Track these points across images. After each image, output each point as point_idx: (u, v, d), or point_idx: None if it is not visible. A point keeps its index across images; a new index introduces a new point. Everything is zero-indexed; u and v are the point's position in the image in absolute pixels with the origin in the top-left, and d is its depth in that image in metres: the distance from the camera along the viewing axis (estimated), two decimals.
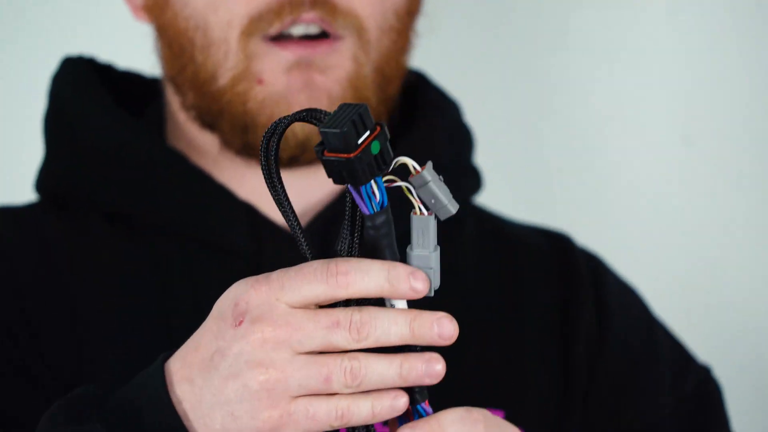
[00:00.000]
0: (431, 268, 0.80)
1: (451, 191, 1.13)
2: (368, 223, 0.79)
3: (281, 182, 0.81)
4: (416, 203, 0.79)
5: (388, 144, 0.78)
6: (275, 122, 0.79)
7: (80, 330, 1.12)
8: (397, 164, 0.78)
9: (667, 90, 1.68)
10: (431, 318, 0.81)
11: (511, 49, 1.57)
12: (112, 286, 1.13)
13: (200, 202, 1.14)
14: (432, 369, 0.81)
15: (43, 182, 1.19)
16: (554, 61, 1.68)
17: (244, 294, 0.82)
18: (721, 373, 1.24)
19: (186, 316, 1.12)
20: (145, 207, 1.15)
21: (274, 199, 0.81)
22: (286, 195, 0.81)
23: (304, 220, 1.14)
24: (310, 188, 1.16)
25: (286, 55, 1.11)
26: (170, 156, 1.15)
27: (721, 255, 1.67)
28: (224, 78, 1.13)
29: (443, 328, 0.81)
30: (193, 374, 0.84)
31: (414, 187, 0.79)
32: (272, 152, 0.80)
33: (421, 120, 1.19)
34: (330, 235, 1.13)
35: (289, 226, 0.82)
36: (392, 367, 0.81)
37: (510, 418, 1.09)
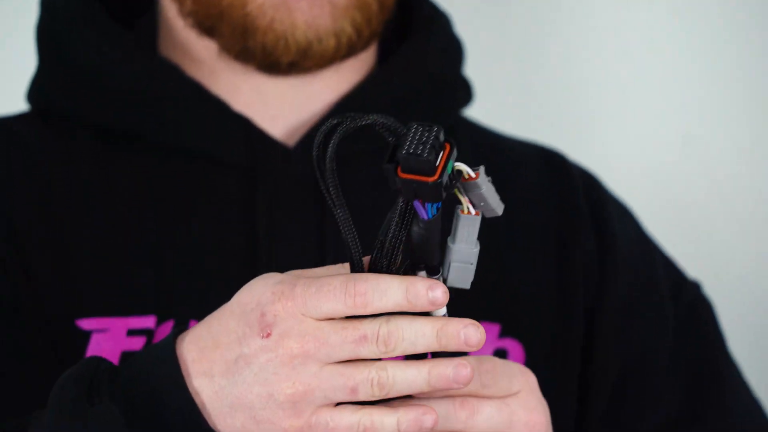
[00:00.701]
0: (471, 264, 0.83)
1: (444, 103, 1.20)
2: (421, 224, 0.81)
3: (336, 184, 0.82)
4: (465, 203, 0.82)
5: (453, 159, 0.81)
6: (333, 122, 0.81)
7: (68, 243, 1.11)
8: (453, 170, 0.80)
9: (668, 90, 1.68)
10: (458, 326, 0.83)
11: (511, 47, 1.58)
12: (100, 199, 1.13)
13: (195, 114, 1.13)
14: (460, 375, 0.83)
15: (33, 94, 1.19)
16: (553, 60, 1.68)
17: (271, 306, 0.83)
18: None
19: (177, 230, 1.12)
20: (136, 119, 1.14)
21: (328, 201, 0.82)
22: (341, 197, 0.83)
23: (300, 133, 1.15)
24: (307, 99, 1.16)
25: None
26: (163, 67, 1.15)
27: (722, 255, 1.67)
28: None
29: (470, 336, 0.83)
30: (214, 371, 0.85)
31: (465, 189, 0.81)
32: (328, 155, 0.81)
33: (415, 33, 1.20)
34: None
35: (345, 237, 0.84)
36: (420, 375, 0.83)
37: (506, 330, 1.12)
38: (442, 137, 0.78)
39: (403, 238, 0.82)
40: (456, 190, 0.81)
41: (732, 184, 1.68)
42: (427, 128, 0.78)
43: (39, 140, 1.15)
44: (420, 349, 0.82)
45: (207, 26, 1.13)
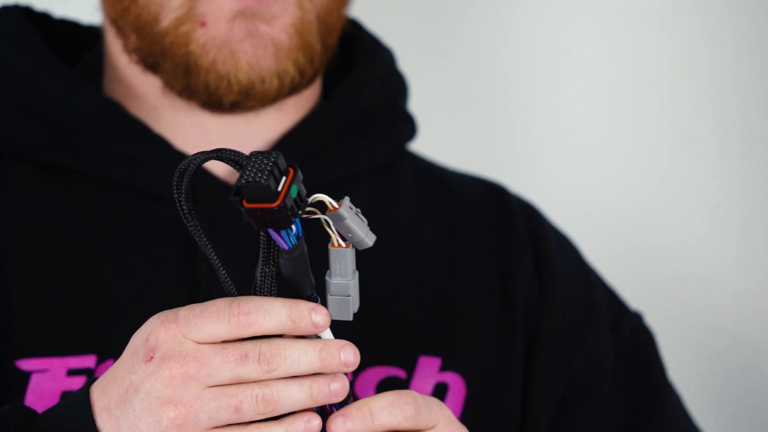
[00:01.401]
0: (349, 296, 0.85)
1: (386, 136, 1.21)
2: (285, 256, 0.83)
3: (194, 218, 0.85)
4: (334, 236, 0.83)
5: (301, 184, 0.81)
6: (187, 160, 0.82)
7: (7, 280, 1.12)
8: (314, 201, 0.82)
9: (669, 89, 1.68)
10: (336, 347, 0.85)
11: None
12: (39, 236, 1.13)
13: (136, 152, 1.14)
14: (338, 389, 0.86)
15: None
16: (553, 59, 1.68)
17: (155, 330, 0.85)
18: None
19: (118, 266, 1.13)
20: (77, 155, 1.15)
21: (192, 234, 0.85)
22: (200, 231, 0.85)
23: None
24: (250, 137, 1.17)
25: (230, 1, 1.12)
26: (106, 105, 1.16)
27: (721, 255, 1.67)
28: (167, 20, 1.12)
29: (347, 355, 0.85)
30: (111, 405, 0.87)
31: (331, 222, 0.82)
32: (184, 191, 0.83)
33: (356, 67, 1.21)
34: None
35: (212, 262, 0.86)
36: (303, 390, 0.85)
37: (447, 364, 1.13)
38: (282, 162, 0.79)
39: (273, 273, 0.84)
40: (324, 222, 0.82)
41: (732, 184, 1.69)
42: (265, 155, 0.79)
43: None
44: (302, 369, 0.83)
45: (150, 62, 1.14)
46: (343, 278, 0.84)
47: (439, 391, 1.11)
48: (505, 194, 1.24)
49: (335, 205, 0.82)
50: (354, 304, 0.85)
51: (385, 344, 1.11)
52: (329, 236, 0.83)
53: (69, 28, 1.24)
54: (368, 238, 0.83)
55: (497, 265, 1.18)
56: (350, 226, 0.82)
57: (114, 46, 1.17)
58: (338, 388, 0.85)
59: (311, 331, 0.84)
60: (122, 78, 1.17)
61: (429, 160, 1.26)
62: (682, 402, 1.22)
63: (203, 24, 1.11)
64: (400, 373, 1.11)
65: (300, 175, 0.80)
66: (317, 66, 1.14)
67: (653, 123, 1.66)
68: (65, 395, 0.93)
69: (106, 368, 1.07)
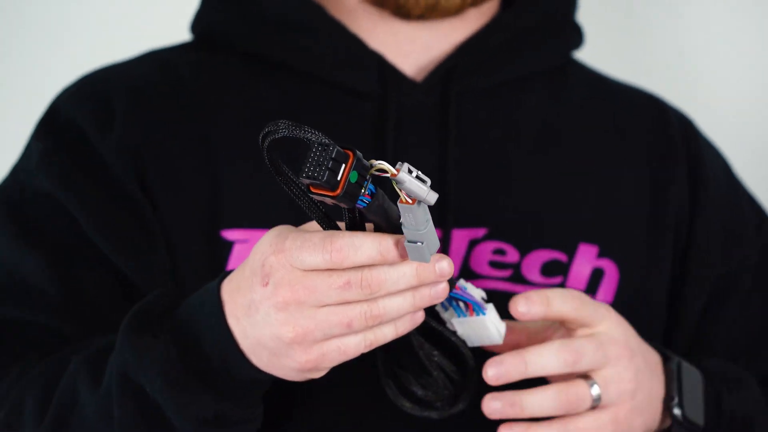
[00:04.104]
0: (421, 243, 0.90)
1: (556, 44, 1.30)
2: (364, 210, 0.91)
3: (284, 174, 0.92)
4: (402, 194, 0.89)
5: (363, 161, 0.88)
6: (264, 132, 0.90)
7: (218, 159, 1.20)
8: (377, 168, 0.89)
9: (669, 90, 1.66)
10: (433, 261, 0.92)
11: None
12: (247, 120, 1.22)
13: (336, 48, 1.23)
14: (438, 292, 0.94)
15: (196, 25, 1.28)
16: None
17: (268, 257, 0.92)
18: None
19: None
20: (283, 48, 1.24)
21: (282, 185, 0.92)
22: (291, 185, 0.92)
23: (428, 69, 1.25)
24: (436, 40, 1.25)
25: None
26: (310, 5, 1.24)
27: None
28: None
29: (442, 266, 0.92)
30: (239, 314, 0.96)
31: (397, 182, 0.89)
32: (266, 147, 0.90)
33: None
34: (451, 83, 1.23)
35: (292, 196, 0.92)
36: (406, 301, 0.93)
37: (604, 251, 1.21)
38: (339, 153, 0.87)
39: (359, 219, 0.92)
40: (393, 183, 0.89)
41: None
42: (324, 148, 0.87)
43: (190, 67, 1.24)
44: (402, 287, 0.91)
45: None
46: (415, 228, 0.89)
47: (596, 276, 1.20)
48: (663, 104, 1.32)
49: (394, 171, 0.88)
50: (430, 249, 0.90)
51: (549, 230, 1.20)
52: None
53: None
54: (429, 197, 0.88)
55: (655, 165, 1.26)
56: (409, 188, 0.88)
57: None
58: (438, 292, 0.94)
59: (397, 261, 0.91)
60: None
61: (593, 68, 1.34)
62: None
63: None
64: (562, 256, 1.20)
65: (359, 155, 0.87)
66: None
67: None
68: (201, 290, 1.01)
69: None
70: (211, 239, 1.17)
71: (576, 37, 1.32)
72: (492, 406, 1.04)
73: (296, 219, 1.15)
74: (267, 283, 0.92)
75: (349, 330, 0.92)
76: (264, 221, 1.18)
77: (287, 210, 1.16)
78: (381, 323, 0.93)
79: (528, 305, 1.04)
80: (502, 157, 1.22)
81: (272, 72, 1.24)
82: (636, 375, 1.07)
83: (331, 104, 1.23)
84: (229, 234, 1.18)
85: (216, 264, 1.17)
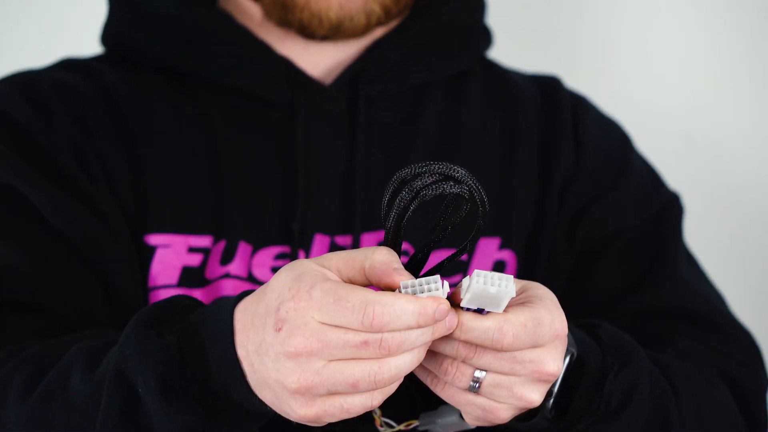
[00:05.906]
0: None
1: (463, 49, 1.32)
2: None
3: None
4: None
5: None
6: (413, 194, 0.92)
7: (143, 164, 1.21)
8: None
9: (669, 89, 1.72)
10: (447, 321, 0.91)
11: (510, 44, 1.60)
12: (168, 129, 1.24)
13: (243, 56, 1.24)
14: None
15: (106, 38, 1.30)
16: (557, 58, 1.73)
17: (285, 303, 0.90)
18: None
19: (231, 157, 1.23)
20: (193, 61, 1.25)
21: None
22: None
23: (335, 73, 1.27)
24: (344, 45, 1.27)
25: None
26: (218, 17, 1.26)
27: (722, 256, 1.71)
28: None
29: (452, 322, 0.92)
30: (248, 348, 0.93)
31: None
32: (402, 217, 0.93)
33: None
34: (359, 88, 1.24)
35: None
36: (414, 357, 0.91)
37: (505, 243, 1.24)
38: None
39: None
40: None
41: (732, 183, 1.71)
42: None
43: (116, 77, 1.26)
44: (417, 344, 0.90)
45: None
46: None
47: (497, 268, 1.23)
48: (557, 86, 1.33)
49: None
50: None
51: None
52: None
53: None
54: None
55: (543, 151, 1.28)
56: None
57: None
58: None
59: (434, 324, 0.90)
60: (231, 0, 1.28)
61: (502, 65, 1.36)
62: (695, 261, 1.30)
63: None
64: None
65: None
66: (401, 4, 1.25)
67: None
68: (216, 302, 0.98)
69: (220, 249, 1.20)
70: (136, 243, 1.19)
71: (483, 40, 1.33)
72: None
73: (218, 224, 1.20)
74: (280, 329, 0.89)
75: (354, 390, 0.90)
76: (187, 226, 1.20)
77: (209, 216, 1.20)
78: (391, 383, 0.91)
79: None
80: (405, 161, 1.23)
81: (185, 83, 1.25)
82: None
83: (241, 112, 1.24)
84: (152, 239, 1.20)
85: (139, 268, 1.19)
